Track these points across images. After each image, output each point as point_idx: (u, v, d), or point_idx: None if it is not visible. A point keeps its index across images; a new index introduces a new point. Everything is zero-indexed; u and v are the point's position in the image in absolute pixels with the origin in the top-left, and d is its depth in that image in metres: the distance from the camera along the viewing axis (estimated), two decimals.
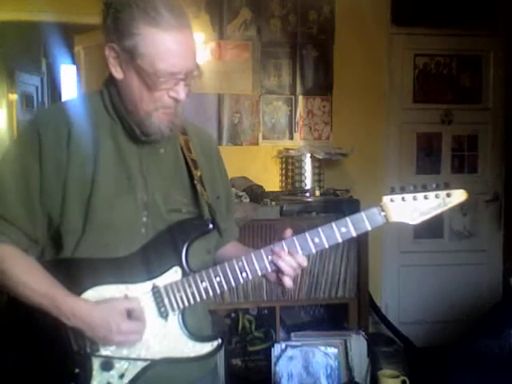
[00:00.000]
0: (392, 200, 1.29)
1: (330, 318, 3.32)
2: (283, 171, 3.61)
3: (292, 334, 3.02)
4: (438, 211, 1.31)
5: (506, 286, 3.89)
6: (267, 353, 2.96)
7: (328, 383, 2.80)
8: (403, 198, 1.29)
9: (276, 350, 2.87)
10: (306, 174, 3.47)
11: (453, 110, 3.98)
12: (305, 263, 1.30)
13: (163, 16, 1.19)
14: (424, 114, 3.96)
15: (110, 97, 1.31)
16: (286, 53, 3.71)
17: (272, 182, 3.59)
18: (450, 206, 1.31)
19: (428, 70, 3.97)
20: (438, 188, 1.30)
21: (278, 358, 2.84)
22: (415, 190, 1.30)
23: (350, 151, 3.54)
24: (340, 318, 3.23)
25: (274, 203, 3.15)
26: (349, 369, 2.91)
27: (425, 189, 1.30)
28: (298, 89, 3.73)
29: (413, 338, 3.66)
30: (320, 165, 3.50)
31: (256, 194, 3.16)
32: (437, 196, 1.30)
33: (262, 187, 3.27)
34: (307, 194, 3.36)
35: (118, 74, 1.26)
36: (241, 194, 3.09)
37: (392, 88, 3.90)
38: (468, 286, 3.97)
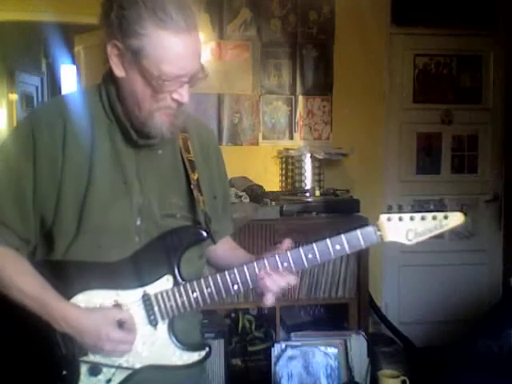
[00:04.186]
0: (389, 219, 1.29)
1: (330, 318, 3.32)
2: (283, 171, 3.61)
3: (292, 334, 3.02)
4: (434, 233, 1.30)
5: (506, 286, 3.89)
6: (267, 353, 2.96)
7: (328, 383, 2.80)
8: (400, 218, 1.29)
9: (276, 349, 2.87)
10: (306, 174, 3.46)
11: (453, 109, 3.98)
12: (293, 282, 1.30)
13: (172, 17, 1.15)
14: (424, 114, 3.95)
15: (108, 96, 1.28)
16: (286, 53, 3.71)
17: (272, 182, 3.59)
18: (446, 228, 1.30)
19: (428, 69, 3.97)
20: (435, 209, 1.30)
21: (278, 358, 2.84)
22: (412, 210, 1.30)
23: (349, 151, 3.55)
24: (340, 318, 3.23)
25: (274, 203, 3.15)
26: (349, 369, 2.91)
27: (422, 209, 1.30)
28: (298, 89, 3.73)
29: (413, 338, 3.66)
30: (320, 165, 3.50)
31: (256, 193, 3.16)
32: (434, 218, 1.29)
33: (261, 187, 3.27)
34: (307, 194, 3.36)
35: (119, 72, 1.21)
36: (241, 194, 3.09)
37: (392, 88, 3.90)
38: (468, 286, 3.96)
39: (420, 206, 1.31)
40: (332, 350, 2.84)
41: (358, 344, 2.94)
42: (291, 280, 1.29)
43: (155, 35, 1.15)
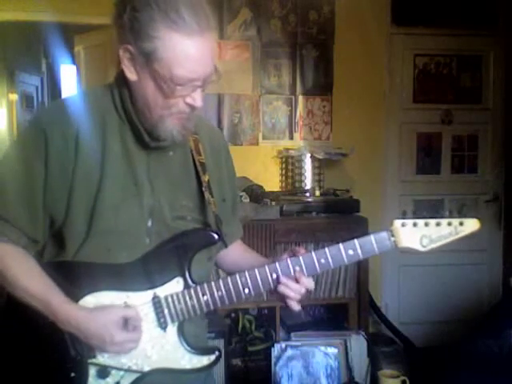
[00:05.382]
0: (403, 225, 1.27)
1: (330, 318, 3.32)
2: (283, 171, 3.60)
3: (292, 334, 3.02)
4: (449, 240, 1.28)
5: (506, 286, 3.89)
6: (267, 353, 2.96)
7: (328, 383, 2.80)
8: (415, 224, 1.27)
9: (276, 349, 2.87)
10: (306, 174, 3.46)
11: (453, 110, 3.98)
12: (312, 286, 1.28)
13: (185, 19, 1.12)
14: (424, 114, 3.95)
15: (121, 97, 1.26)
16: (286, 53, 3.71)
17: (272, 182, 3.59)
18: (461, 234, 1.27)
19: (428, 69, 3.97)
20: (451, 216, 1.27)
21: (278, 358, 2.84)
22: (428, 216, 1.27)
23: (350, 151, 3.54)
24: (340, 318, 3.23)
25: (274, 203, 3.15)
26: (349, 369, 2.91)
27: (437, 215, 1.27)
28: (298, 89, 3.73)
29: (413, 338, 3.65)
30: (320, 165, 3.50)
31: (256, 194, 3.16)
32: (449, 224, 1.27)
33: (261, 187, 3.27)
34: (307, 194, 3.36)
35: (131, 75, 1.20)
36: (241, 194, 3.08)
37: (392, 88, 3.90)
38: (468, 286, 3.96)
39: (435, 211, 1.28)
40: (332, 350, 2.84)
41: (358, 344, 2.94)
42: (309, 284, 1.28)
43: (167, 38, 1.13)
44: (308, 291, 1.29)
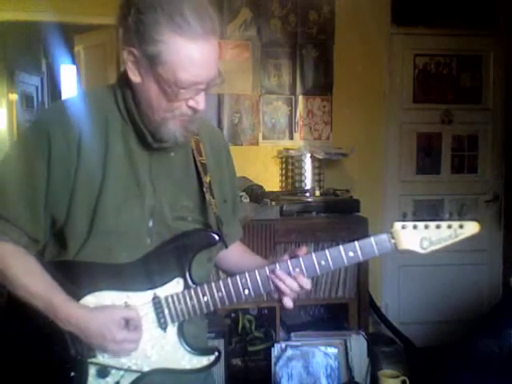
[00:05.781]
0: (403, 227, 1.28)
1: (330, 318, 3.32)
2: (283, 171, 3.61)
3: (292, 334, 3.02)
4: (448, 242, 1.29)
5: (506, 286, 3.89)
6: (267, 353, 2.96)
7: (328, 383, 2.80)
8: (415, 226, 1.28)
9: (276, 349, 2.87)
10: (306, 174, 3.46)
11: (453, 110, 3.98)
12: (308, 286, 1.29)
13: (190, 23, 1.12)
14: (424, 114, 3.95)
15: (124, 98, 1.26)
16: (286, 53, 3.71)
17: (272, 182, 3.59)
18: (461, 237, 1.28)
19: (428, 69, 3.97)
20: (450, 218, 1.28)
21: (278, 358, 2.84)
22: (428, 218, 1.28)
23: (350, 151, 3.54)
24: (340, 318, 3.23)
25: (274, 203, 3.15)
26: (349, 369, 2.91)
27: (437, 217, 1.28)
28: (298, 89, 3.73)
29: (413, 338, 3.65)
30: (320, 165, 3.50)
31: (256, 194, 3.16)
32: (449, 226, 1.28)
33: (261, 187, 3.27)
34: (307, 194, 3.36)
35: (135, 77, 1.20)
36: (241, 194, 3.08)
37: (392, 88, 3.90)
38: (468, 285, 3.96)
39: (435, 212, 1.29)
40: (332, 350, 2.84)
41: (358, 344, 2.94)
42: (305, 284, 1.29)
43: (172, 41, 1.14)
44: (303, 289, 1.29)
